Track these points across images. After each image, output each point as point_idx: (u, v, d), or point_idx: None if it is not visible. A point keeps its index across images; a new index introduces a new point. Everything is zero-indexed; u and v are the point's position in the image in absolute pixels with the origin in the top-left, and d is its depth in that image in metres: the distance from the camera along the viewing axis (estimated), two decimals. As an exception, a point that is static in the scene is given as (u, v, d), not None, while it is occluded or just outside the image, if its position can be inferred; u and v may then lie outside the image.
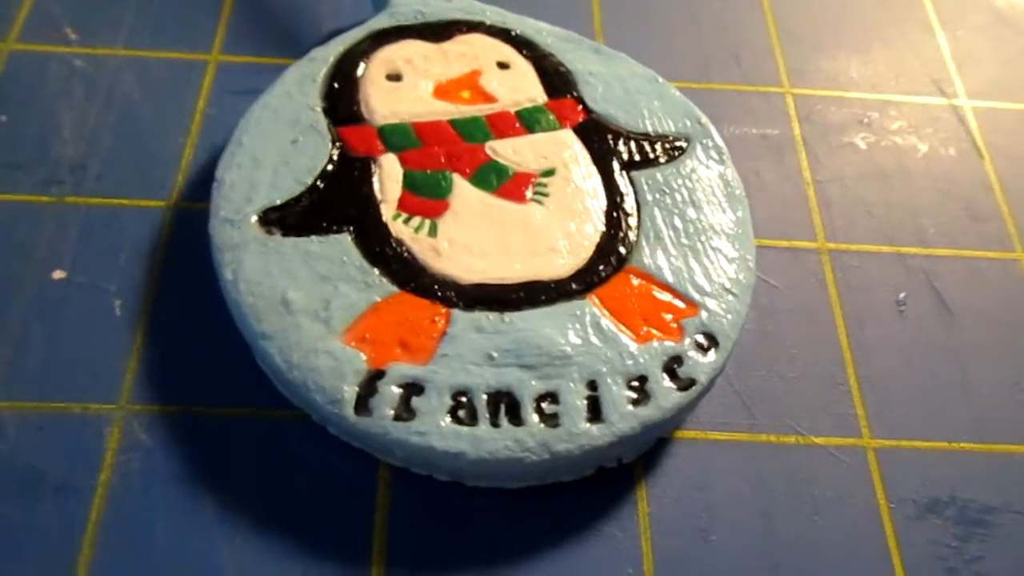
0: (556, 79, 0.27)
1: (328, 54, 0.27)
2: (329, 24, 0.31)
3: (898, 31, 0.33)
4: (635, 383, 0.22)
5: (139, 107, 0.28)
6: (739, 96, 0.31)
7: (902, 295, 0.27)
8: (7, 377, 0.23)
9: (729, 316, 0.23)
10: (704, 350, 0.23)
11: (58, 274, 0.24)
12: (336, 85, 0.26)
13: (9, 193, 0.26)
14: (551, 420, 0.21)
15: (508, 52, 0.28)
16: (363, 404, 0.21)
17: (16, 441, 0.22)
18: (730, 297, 0.24)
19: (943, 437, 0.24)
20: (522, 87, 0.27)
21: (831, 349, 0.26)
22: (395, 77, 0.27)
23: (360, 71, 0.27)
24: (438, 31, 0.28)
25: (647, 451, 0.23)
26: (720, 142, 0.27)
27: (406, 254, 0.23)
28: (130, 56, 0.29)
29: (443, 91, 0.27)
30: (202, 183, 0.26)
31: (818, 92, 0.31)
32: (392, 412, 0.21)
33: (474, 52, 0.28)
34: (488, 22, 0.29)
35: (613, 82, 0.28)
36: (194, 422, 0.22)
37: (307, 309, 0.22)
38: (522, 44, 0.28)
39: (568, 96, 0.27)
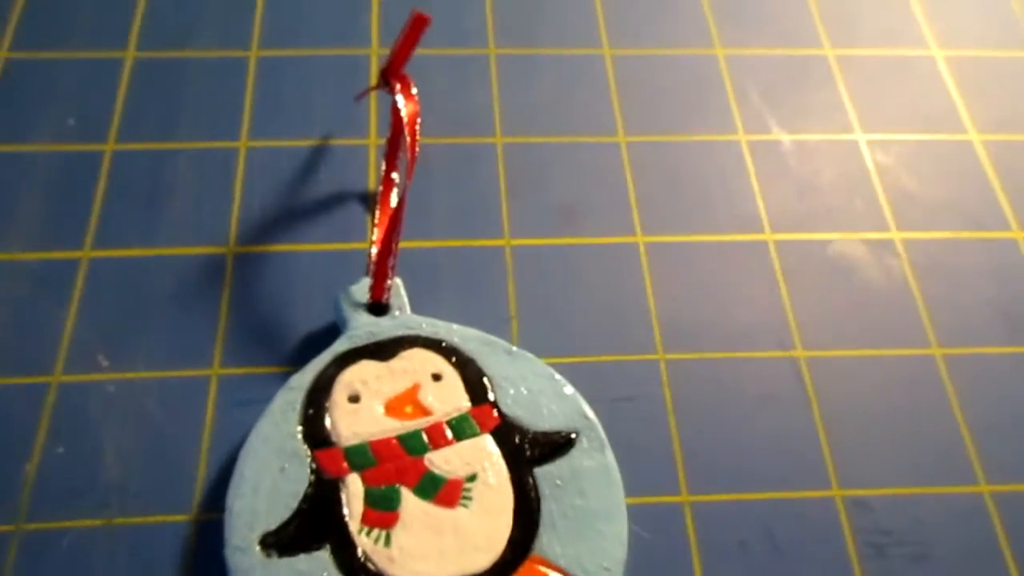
0: (477, 387, 0.36)
1: (304, 381, 0.36)
2: (305, 327, 0.39)
3: (748, 290, 0.42)
4: (537, 657, 0.31)
5: (161, 425, 0.37)
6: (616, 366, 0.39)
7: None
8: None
9: (606, 590, 0.32)
10: (588, 624, 0.32)
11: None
12: (311, 411, 0.35)
13: (70, 520, 0.34)
14: None
15: (440, 363, 0.37)
16: None
17: None
18: (605, 574, 0.32)
19: (770, 659, 0.33)
20: (451, 398, 0.36)
21: (690, 591, 0.34)
22: (354, 399, 0.36)
23: (328, 397, 0.36)
24: (386, 349, 0.37)
25: None
26: (602, 435, 0.35)
27: (370, 565, 0.32)
28: (150, 377, 0.38)
29: (391, 408, 0.35)
30: (213, 497, 0.34)
31: (688, 356, 0.40)
32: None
33: (413, 367, 0.36)
34: (424, 335, 0.37)
35: (520, 383, 0.36)
36: None
37: (297, 628, 0.31)
38: (451, 353, 0.37)
39: (486, 402, 0.36)
